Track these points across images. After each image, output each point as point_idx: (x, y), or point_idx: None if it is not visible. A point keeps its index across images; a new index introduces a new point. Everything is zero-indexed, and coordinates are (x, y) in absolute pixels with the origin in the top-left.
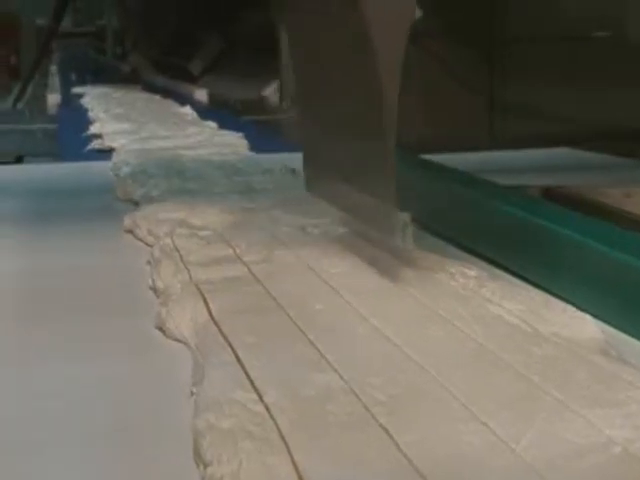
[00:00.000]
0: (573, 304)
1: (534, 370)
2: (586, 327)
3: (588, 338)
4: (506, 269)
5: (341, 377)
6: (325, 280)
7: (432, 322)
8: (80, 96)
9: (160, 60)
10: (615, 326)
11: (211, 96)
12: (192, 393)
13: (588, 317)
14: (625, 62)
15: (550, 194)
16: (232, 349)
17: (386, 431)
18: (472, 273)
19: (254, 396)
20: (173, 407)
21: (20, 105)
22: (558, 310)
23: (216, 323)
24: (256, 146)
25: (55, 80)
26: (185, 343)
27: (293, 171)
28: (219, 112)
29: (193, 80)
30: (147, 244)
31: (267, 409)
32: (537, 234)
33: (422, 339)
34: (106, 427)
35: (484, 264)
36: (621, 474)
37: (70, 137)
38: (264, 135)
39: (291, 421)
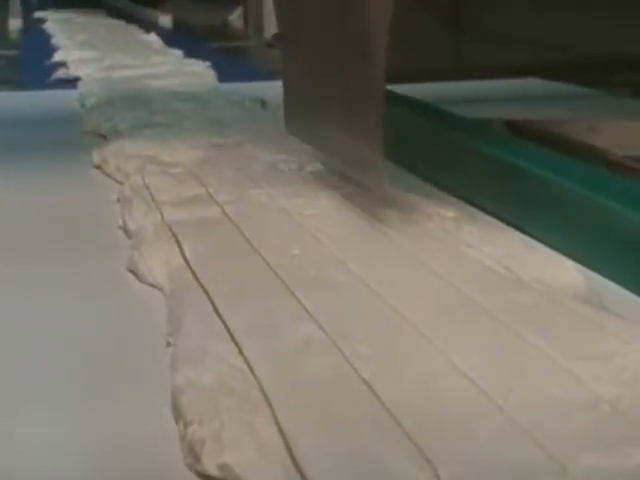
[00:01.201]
0: (553, 247)
1: (517, 319)
2: (567, 273)
3: (570, 285)
4: (484, 210)
5: (321, 327)
6: (300, 222)
7: (411, 268)
8: (42, 21)
9: None
10: (597, 271)
11: (175, 21)
12: (168, 343)
13: (569, 262)
14: None
15: (513, 127)
16: (208, 297)
17: (369, 387)
18: (450, 214)
19: (233, 348)
20: (150, 357)
21: None
22: (538, 254)
23: (190, 268)
24: (223, 74)
25: (16, 3)
26: (159, 288)
27: (263, 103)
28: (185, 39)
29: (156, 4)
30: (116, 180)
31: (247, 363)
32: (510, 173)
33: (402, 286)
34: (78, 377)
35: (462, 204)
36: (611, 434)
37: (33, 65)
38: (231, 63)
39: (272, 376)
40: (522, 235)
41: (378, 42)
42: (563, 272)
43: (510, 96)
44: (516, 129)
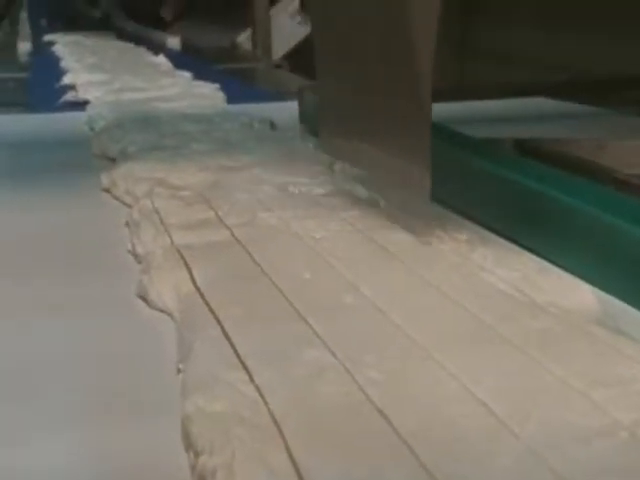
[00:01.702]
0: (567, 270)
1: (532, 344)
2: (582, 296)
3: (585, 308)
4: (496, 232)
5: (332, 353)
6: (311, 246)
7: (424, 291)
8: (52, 44)
9: (131, 6)
10: (611, 293)
11: (184, 44)
12: (179, 370)
13: (584, 285)
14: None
15: (522, 146)
16: (218, 322)
17: (383, 414)
18: (462, 237)
19: (244, 376)
20: (160, 384)
21: None
22: (553, 277)
23: (200, 293)
24: (231, 96)
25: (25, 27)
26: (169, 314)
27: (272, 125)
28: (193, 61)
29: (165, 26)
30: (125, 204)
31: (258, 390)
32: (522, 194)
33: (415, 311)
34: (86, 404)
35: (474, 226)
36: (629, 461)
37: (42, 87)
38: (239, 84)
39: (284, 404)
40: (536, 258)
41: (425, 59)
42: (578, 295)
43: (517, 115)
44: (525, 148)
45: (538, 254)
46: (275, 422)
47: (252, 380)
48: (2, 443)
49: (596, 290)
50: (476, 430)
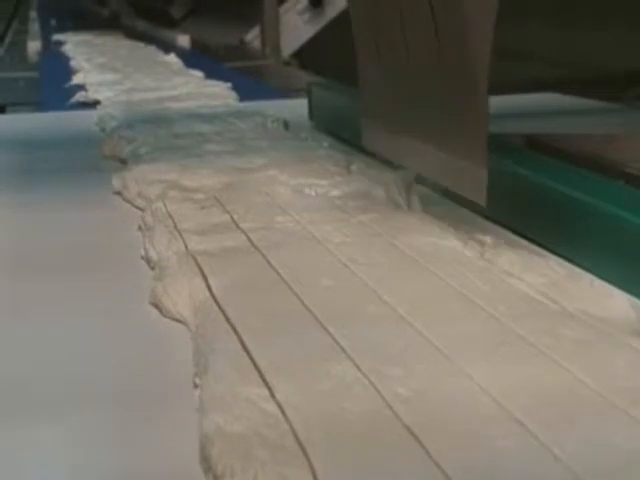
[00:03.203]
0: (596, 274)
1: (567, 357)
2: (615, 303)
3: (619, 316)
4: (521, 234)
5: (357, 367)
6: (330, 250)
7: (450, 299)
8: (61, 43)
9: (141, 4)
10: None
11: (193, 42)
12: (195, 385)
13: (615, 290)
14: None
15: (534, 142)
16: (236, 333)
17: (412, 433)
18: (488, 240)
19: (265, 392)
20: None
21: (1, 52)
22: (584, 284)
23: (217, 302)
24: (242, 94)
25: (35, 26)
26: (184, 323)
27: (286, 124)
28: (204, 59)
29: (173, 24)
30: (137, 207)
31: (280, 408)
32: (546, 196)
33: (441, 320)
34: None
35: (498, 229)
36: None
37: (53, 87)
38: (249, 82)
39: (307, 422)
40: (564, 262)
41: (481, 57)
42: (611, 302)
43: (527, 111)
44: (536, 144)
45: (566, 258)
46: (299, 442)
47: (273, 396)
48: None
49: (632, 298)
50: (513, 451)
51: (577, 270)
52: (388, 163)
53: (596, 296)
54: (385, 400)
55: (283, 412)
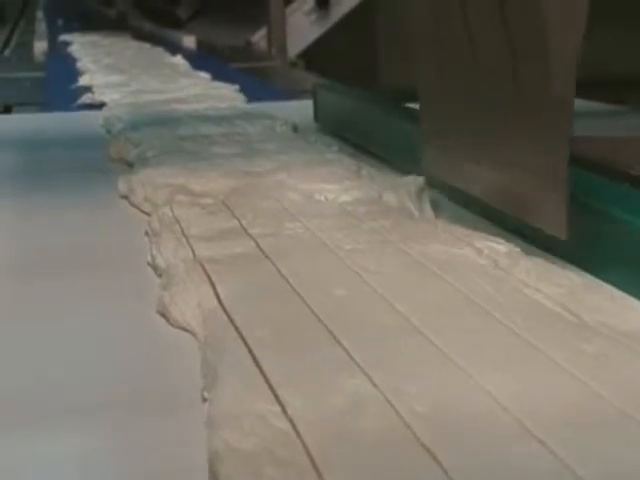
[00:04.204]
0: (615, 285)
1: (587, 371)
2: (635, 315)
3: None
4: (536, 243)
5: (372, 382)
6: (341, 258)
7: (465, 310)
8: (68, 44)
9: (147, 5)
10: None
11: (199, 42)
12: (204, 398)
13: (635, 302)
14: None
15: None
16: (246, 344)
17: (430, 453)
18: (502, 249)
19: (277, 408)
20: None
21: (7, 52)
22: (603, 295)
23: (226, 311)
24: (248, 95)
25: (41, 26)
26: (192, 333)
27: (294, 127)
28: (210, 60)
29: (180, 25)
30: (144, 212)
31: (292, 425)
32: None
33: (456, 332)
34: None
35: (513, 237)
36: None
37: (58, 88)
38: (256, 83)
39: (320, 440)
40: (581, 271)
41: (566, 75)
42: (630, 314)
43: None
44: None
45: (583, 268)
46: (312, 461)
47: (285, 412)
48: None
49: None
50: (535, 472)
51: (594, 280)
52: (399, 168)
53: (616, 308)
54: (401, 417)
55: (295, 429)
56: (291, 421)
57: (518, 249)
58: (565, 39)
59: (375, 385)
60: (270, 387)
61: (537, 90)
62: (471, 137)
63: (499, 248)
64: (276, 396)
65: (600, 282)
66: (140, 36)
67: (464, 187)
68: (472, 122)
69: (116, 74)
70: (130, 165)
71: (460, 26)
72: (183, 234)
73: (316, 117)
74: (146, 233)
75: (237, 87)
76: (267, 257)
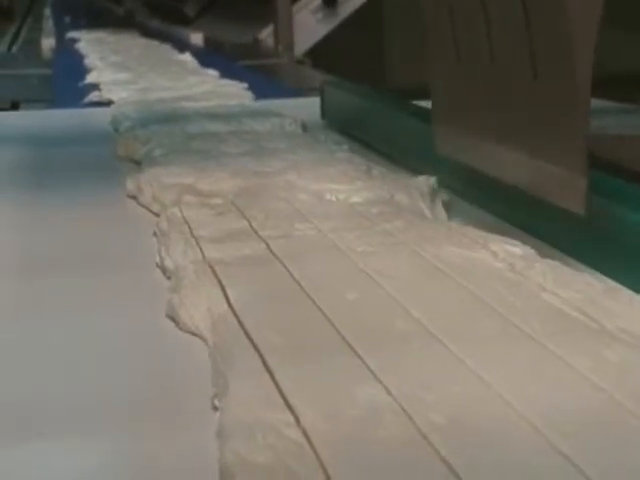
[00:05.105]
0: (634, 289)
1: (609, 380)
2: None
3: None
4: (552, 244)
5: (387, 390)
6: (353, 260)
7: (482, 315)
8: (75, 41)
9: (154, 2)
10: None
11: (206, 39)
12: (215, 407)
13: None
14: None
15: None
16: (257, 351)
17: (448, 465)
18: (518, 251)
19: (289, 418)
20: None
21: (15, 49)
22: (622, 300)
23: (236, 315)
24: (256, 92)
25: (49, 23)
26: (202, 338)
27: (304, 126)
28: (218, 58)
29: (187, 22)
30: (152, 212)
31: (306, 436)
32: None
33: (473, 338)
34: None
35: (528, 238)
36: None
37: (66, 84)
38: (263, 80)
39: (335, 452)
40: (597, 274)
41: (584, 55)
42: None
43: None
44: None
45: (600, 271)
46: (325, 474)
47: (298, 422)
48: None
49: None
50: None
51: (612, 284)
52: (410, 168)
53: (635, 313)
54: (418, 428)
55: (309, 440)
56: (304, 432)
57: (533, 251)
58: (582, 24)
59: (390, 393)
60: (282, 396)
61: (554, 74)
62: (491, 117)
63: (514, 250)
64: (289, 405)
65: (619, 286)
66: (148, 33)
67: (480, 166)
68: (491, 102)
69: (124, 71)
70: (138, 163)
71: (476, 10)
72: (192, 235)
73: (323, 114)
74: (154, 234)
75: (245, 85)
76: (278, 259)
